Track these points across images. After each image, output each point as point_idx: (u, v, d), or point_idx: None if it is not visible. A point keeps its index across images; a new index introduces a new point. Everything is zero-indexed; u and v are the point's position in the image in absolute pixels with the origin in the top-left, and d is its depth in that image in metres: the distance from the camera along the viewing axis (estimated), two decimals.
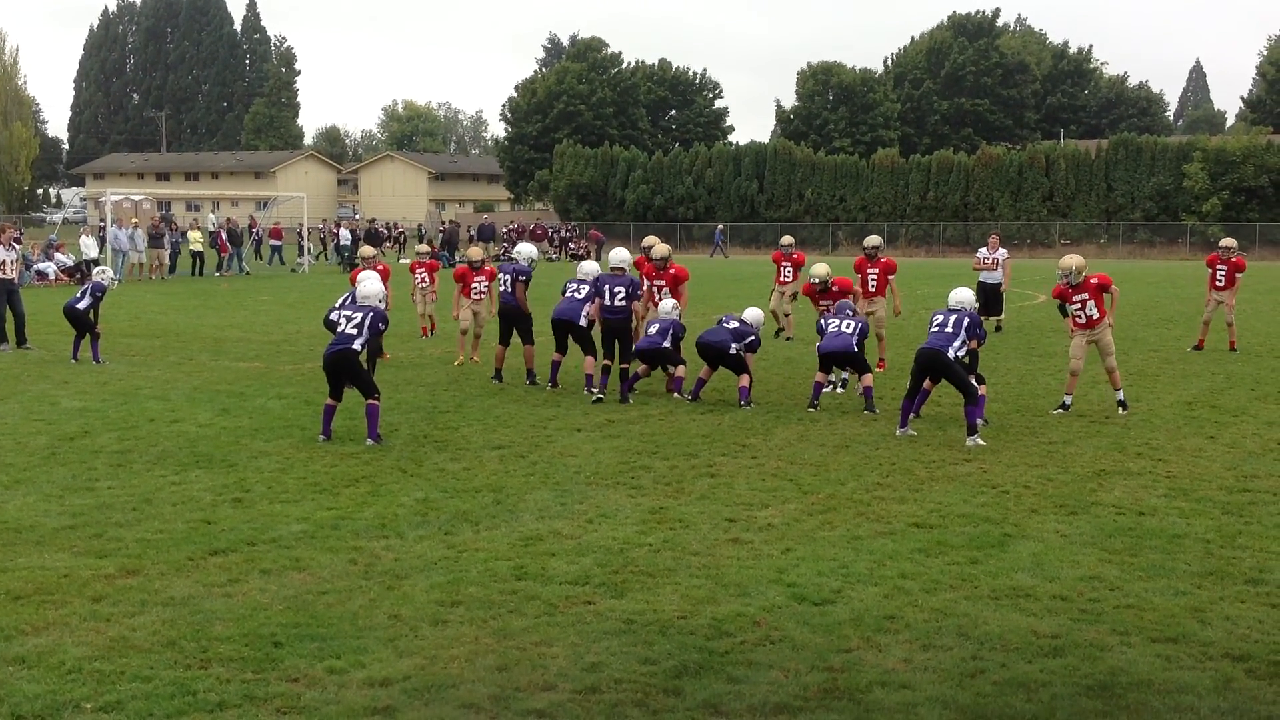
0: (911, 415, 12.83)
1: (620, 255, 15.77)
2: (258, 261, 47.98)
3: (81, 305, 18.04)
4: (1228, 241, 20.26)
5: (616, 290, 15.04)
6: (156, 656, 6.26)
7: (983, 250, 23.21)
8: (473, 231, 58.52)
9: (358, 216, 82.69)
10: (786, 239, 21.90)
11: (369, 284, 12.74)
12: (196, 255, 42.11)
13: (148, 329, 23.26)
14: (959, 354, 12.36)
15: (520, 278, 15.95)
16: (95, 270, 20.98)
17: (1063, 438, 12.50)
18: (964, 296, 12.95)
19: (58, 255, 38.04)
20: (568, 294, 15.53)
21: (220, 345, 20.48)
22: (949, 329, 12.51)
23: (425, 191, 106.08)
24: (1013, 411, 14.12)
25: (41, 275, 36.09)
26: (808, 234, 70.29)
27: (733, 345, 14.71)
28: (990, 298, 21.69)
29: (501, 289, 16.16)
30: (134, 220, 41.67)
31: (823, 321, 14.87)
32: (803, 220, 71.40)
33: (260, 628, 6.67)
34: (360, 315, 12.18)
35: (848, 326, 14.31)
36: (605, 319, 15.07)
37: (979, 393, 12.40)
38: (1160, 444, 12.14)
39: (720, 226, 68.08)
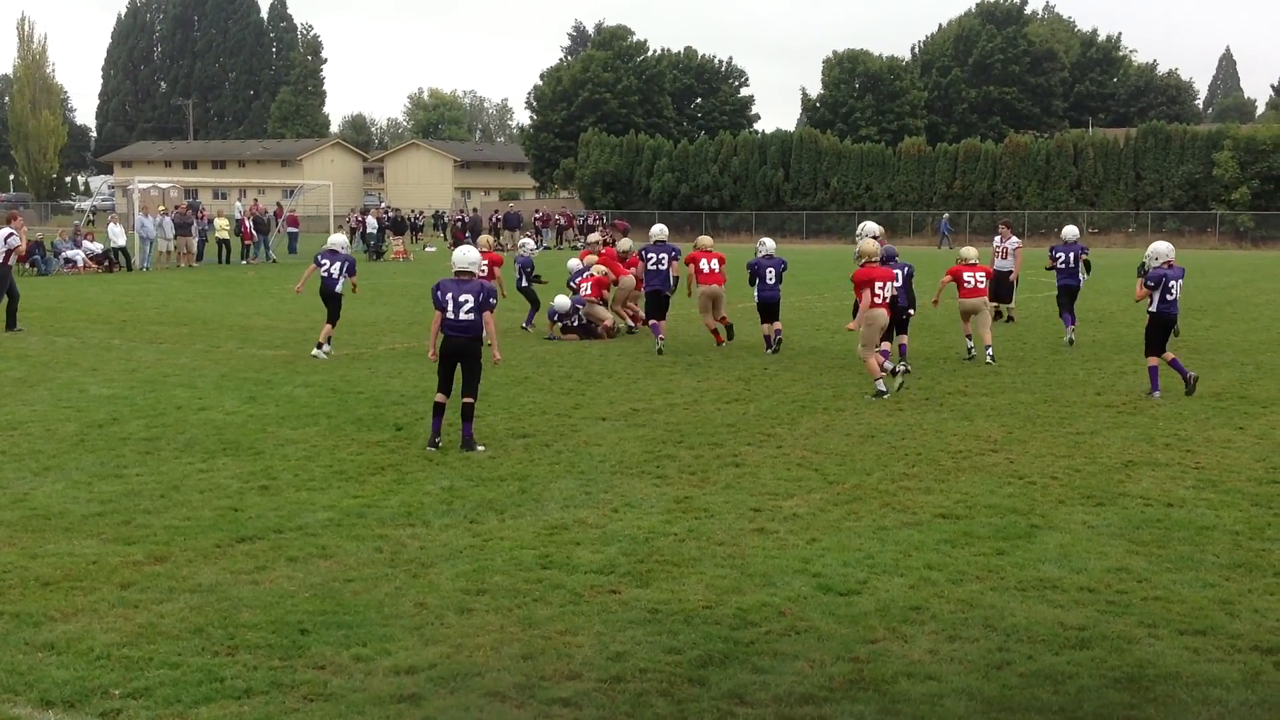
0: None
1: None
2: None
3: (339, 288, 17.84)
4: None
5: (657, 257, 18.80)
6: (184, 643, 6.30)
7: (995, 239, 23.65)
8: (498, 217, 58.54)
9: (383, 205, 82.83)
10: (704, 239, 19.35)
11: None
12: (223, 243, 42.30)
13: (175, 316, 23.39)
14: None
15: (674, 257, 18.68)
16: (332, 240, 18.95)
17: (1090, 428, 12.44)
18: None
19: (86, 243, 38.26)
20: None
21: (247, 333, 20.58)
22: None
23: (450, 180, 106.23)
24: (1040, 402, 14.05)
25: (70, 263, 36.33)
26: (833, 222, 70.14)
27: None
28: (1001, 285, 21.92)
29: (657, 269, 18.62)
30: (161, 208, 41.87)
31: (756, 262, 17.96)
32: (828, 209, 71.16)
33: (287, 615, 6.70)
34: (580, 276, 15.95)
35: (775, 278, 17.79)
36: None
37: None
38: (1189, 435, 12.06)
39: (946, 215, 65.27)
